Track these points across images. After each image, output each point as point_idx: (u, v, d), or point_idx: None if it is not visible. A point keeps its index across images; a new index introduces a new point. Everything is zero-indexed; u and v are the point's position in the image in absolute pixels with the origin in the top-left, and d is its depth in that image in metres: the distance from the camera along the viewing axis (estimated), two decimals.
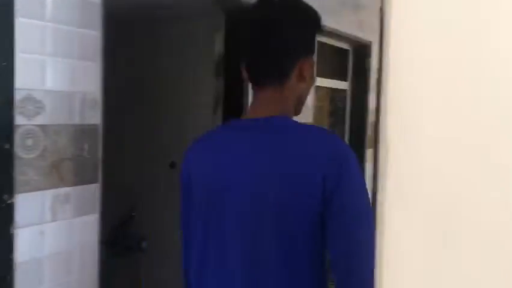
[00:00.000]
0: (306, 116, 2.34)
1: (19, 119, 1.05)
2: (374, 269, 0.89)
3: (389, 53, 1.39)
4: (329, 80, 2.74)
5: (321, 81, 2.59)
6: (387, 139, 1.39)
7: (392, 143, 1.32)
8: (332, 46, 2.75)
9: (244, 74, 0.96)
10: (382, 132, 1.42)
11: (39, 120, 1.09)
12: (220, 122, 1.81)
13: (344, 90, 2.97)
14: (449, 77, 1.29)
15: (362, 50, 2.91)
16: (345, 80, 2.97)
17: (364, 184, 0.88)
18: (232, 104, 1.82)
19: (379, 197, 1.32)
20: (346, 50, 2.94)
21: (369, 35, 2.84)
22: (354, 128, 2.97)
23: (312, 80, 0.96)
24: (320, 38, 2.42)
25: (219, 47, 1.80)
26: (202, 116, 1.88)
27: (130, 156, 2.05)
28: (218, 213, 0.92)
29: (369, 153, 3.00)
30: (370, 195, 0.90)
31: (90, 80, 1.19)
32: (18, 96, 1.05)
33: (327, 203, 0.84)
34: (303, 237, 0.86)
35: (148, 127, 2.02)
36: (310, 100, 2.38)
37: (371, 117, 2.99)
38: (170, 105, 1.97)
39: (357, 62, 2.97)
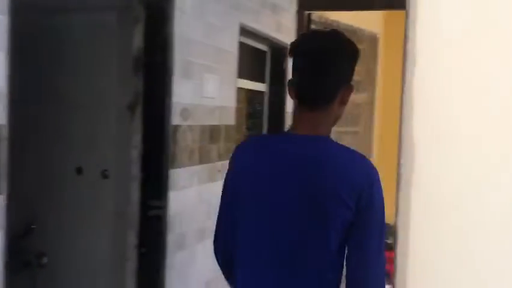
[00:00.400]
0: (227, 117, 2.23)
1: None
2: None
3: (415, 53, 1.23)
4: (248, 82, 2.66)
5: (241, 83, 2.50)
6: (413, 144, 1.24)
7: (418, 148, 1.22)
8: (251, 47, 2.67)
9: (292, 94, 1.08)
10: (405, 138, 1.25)
11: None
12: (140, 123, 1.65)
13: (261, 93, 2.90)
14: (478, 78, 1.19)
15: (279, 52, 2.86)
16: (263, 82, 2.90)
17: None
18: None
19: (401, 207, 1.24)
20: (264, 52, 2.88)
21: (286, 37, 2.81)
22: (272, 131, 2.91)
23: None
24: (240, 39, 2.34)
25: (138, 40, 1.63)
26: (118, 116, 1.69)
27: (31, 160, 1.79)
28: (267, 209, 1.08)
29: None
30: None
31: None
32: None
33: (358, 215, 1.03)
34: (336, 241, 1.05)
35: (53, 128, 1.78)
36: (232, 101, 2.29)
37: (288, 120, 2.95)
38: (79, 104, 1.75)
39: (275, 64, 2.92)
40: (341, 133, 3.36)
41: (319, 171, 1.05)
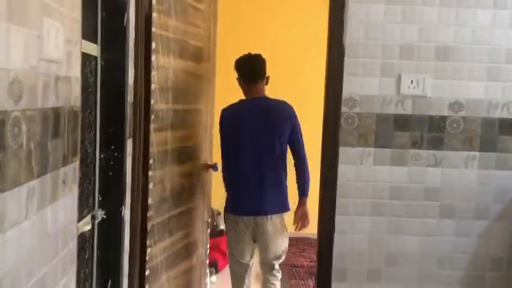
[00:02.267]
0: (73, 95, 1.39)
1: None
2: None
3: None
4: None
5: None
6: None
7: None
8: None
9: (239, 81, 2.90)
10: None
11: None
12: None
13: (92, 58, 2.05)
14: None
15: (116, 1, 2.06)
16: (94, 43, 2.05)
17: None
18: None
19: None
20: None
21: None
22: (109, 111, 2.09)
23: None
24: None
25: None
26: None
27: None
28: (245, 137, 2.81)
29: (128, 143, 2.18)
30: None
31: None
32: None
33: (292, 128, 2.84)
34: (284, 144, 2.84)
35: None
36: (77, 70, 1.44)
37: (130, 98, 2.18)
38: None
39: (111, 19, 2.09)
40: (180, 112, 2.70)
41: (270, 111, 2.86)
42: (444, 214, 2.37)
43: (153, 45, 2.33)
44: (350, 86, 2.28)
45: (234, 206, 2.89)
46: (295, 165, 2.88)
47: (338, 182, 2.29)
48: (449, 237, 2.38)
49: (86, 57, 1.94)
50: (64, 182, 1.31)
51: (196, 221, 3.01)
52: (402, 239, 2.36)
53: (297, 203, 2.91)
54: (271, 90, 2.92)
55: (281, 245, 2.89)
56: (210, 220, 5.01)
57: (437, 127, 2.32)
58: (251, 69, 2.84)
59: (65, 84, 1.31)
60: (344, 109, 2.28)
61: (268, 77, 2.88)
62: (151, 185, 2.39)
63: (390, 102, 2.28)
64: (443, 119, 2.33)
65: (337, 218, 2.31)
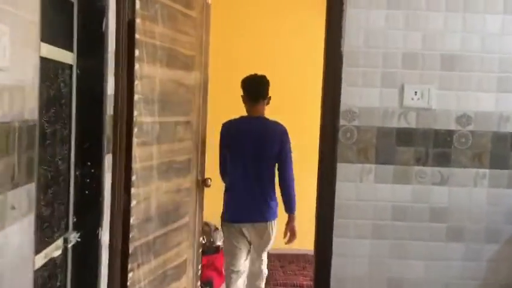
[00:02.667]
0: (27, 107, 1.22)
1: None
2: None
3: None
4: (47, 47, 1.63)
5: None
6: None
7: None
8: None
9: (245, 97, 3.14)
10: None
11: None
12: None
13: (67, 66, 1.88)
14: None
15: (93, 5, 1.90)
16: (69, 50, 1.89)
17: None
18: None
19: None
20: (70, 2, 1.86)
21: None
22: (83, 125, 1.92)
23: None
24: None
25: None
26: None
27: None
28: (243, 154, 3.06)
29: (107, 159, 2.02)
30: None
31: None
32: None
33: (280, 150, 3.05)
34: (273, 164, 3.08)
35: None
36: (35, 77, 1.29)
37: (109, 110, 2.01)
38: None
39: (88, 24, 1.93)
40: (167, 125, 2.53)
41: (264, 131, 3.10)
42: (452, 237, 2.17)
43: (137, 52, 2.16)
44: (349, 97, 2.10)
45: (227, 214, 3.22)
46: (279, 182, 3.14)
47: (336, 201, 2.11)
48: (457, 261, 2.18)
49: (59, 66, 1.78)
50: (13, 207, 1.14)
51: (186, 240, 2.83)
52: (406, 264, 2.17)
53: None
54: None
55: (269, 246, 3.32)
56: (203, 238, 4.83)
57: (444, 142, 2.14)
58: (255, 88, 3.12)
59: (15, 94, 1.14)
60: (342, 122, 2.10)
61: (270, 97, 3.15)
62: (133, 203, 2.21)
63: (392, 114, 2.10)
64: (450, 133, 2.15)
65: (335, 240, 2.12)
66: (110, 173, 2.08)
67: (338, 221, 2.11)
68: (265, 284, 4.55)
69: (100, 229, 1.96)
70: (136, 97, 2.19)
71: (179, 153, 2.67)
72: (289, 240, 3.29)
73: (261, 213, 3.10)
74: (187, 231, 2.83)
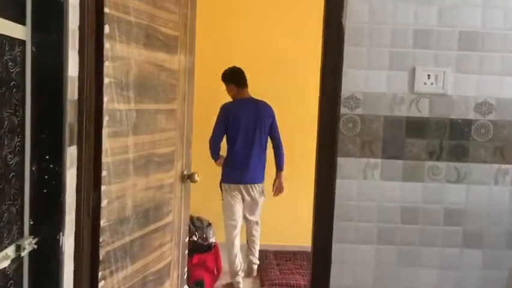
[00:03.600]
0: None
1: None
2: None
3: None
4: None
5: None
6: None
7: None
8: None
9: (232, 86, 4.12)
10: None
11: None
12: None
13: (19, 42, 1.60)
14: None
15: None
16: (21, 23, 1.60)
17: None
18: None
19: None
20: None
21: None
22: (40, 112, 1.64)
23: None
24: None
25: None
26: None
27: None
28: (245, 128, 4.01)
29: (71, 152, 1.74)
30: None
31: None
32: None
33: (272, 122, 4.11)
34: (266, 134, 4.10)
35: None
36: None
37: (73, 94, 1.73)
38: None
39: None
40: (146, 113, 2.26)
41: (258, 109, 4.07)
42: (469, 242, 1.90)
43: (106, 29, 1.87)
44: (351, 82, 1.81)
45: (229, 177, 4.08)
46: (273, 147, 4.22)
47: (336, 202, 1.83)
48: (475, 270, 1.91)
49: (7, 41, 1.49)
50: None
51: (170, 241, 2.55)
52: (416, 273, 1.89)
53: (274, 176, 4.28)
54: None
55: (260, 205, 4.26)
56: (195, 234, 4.54)
57: (460, 133, 1.86)
58: (241, 75, 4.11)
59: None
60: (343, 110, 1.82)
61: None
62: (104, 203, 1.94)
63: (401, 101, 1.82)
64: (468, 123, 1.86)
65: (334, 246, 1.85)
66: (74, 168, 1.80)
67: (338, 224, 1.83)
68: (261, 283, 4.29)
69: (60, 234, 1.68)
70: (106, 80, 1.90)
71: (161, 145, 2.39)
72: (277, 193, 4.35)
73: (260, 176, 4.14)
74: (171, 231, 2.55)
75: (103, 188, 1.93)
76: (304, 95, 4.94)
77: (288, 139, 5.12)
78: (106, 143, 1.93)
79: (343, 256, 1.86)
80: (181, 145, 2.60)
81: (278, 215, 5.13)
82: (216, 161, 4.13)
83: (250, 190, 4.06)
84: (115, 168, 2.00)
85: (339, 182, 1.84)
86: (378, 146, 1.83)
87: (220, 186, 4.17)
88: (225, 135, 4.09)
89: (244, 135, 4.00)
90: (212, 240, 4.63)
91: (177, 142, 2.55)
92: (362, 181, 1.86)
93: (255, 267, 4.31)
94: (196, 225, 4.70)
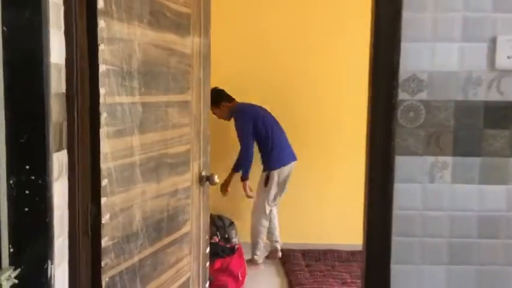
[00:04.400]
0: None
1: None
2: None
3: None
4: None
5: None
6: None
7: None
8: None
9: (224, 104, 4.15)
10: None
11: None
12: None
13: None
14: None
15: None
16: None
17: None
18: None
19: None
20: None
21: None
22: (17, 109, 1.28)
23: None
24: None
25: None
26: None
27: None
28: (273, 121, 4.20)
29: (59, 158, 1.38)
30: None
31: None
32: None
33: None
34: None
35: None
36: None
37: (59, 86, 1.36)
38: None
39: None
40: (154, 106, 1.89)
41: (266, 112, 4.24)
42: None
43: (100, 3, 1.50)
44: (412, 58, 1.42)
45: (282, 160, 4.17)
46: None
47: (394, 212, 1.44)
48: None
49: None
50: None
51: (189, 255, 2.20)
52: None
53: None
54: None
55: None
56: (217, 235, 4.18)
57: None
58: (224, 91, 4.20)
59: None
60: (402, 95, 1.43)
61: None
62: (106, 218, 1.59)
63: (478, 82, 1.42)
64: None
65: (393, 267, 1.46)
66: (65, 178, 1.45)
67: (396, 241, 1.45)
68: (289, 286, 3.93)
69: (48, 262, 1.33)
70: (102, 68, 1.54)
71: (174, 144, 2.02)
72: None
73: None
74: (189, 242, 2.19)
75: (103, 200, 1.57)
76: (336, 77, 4.55)
77: (317, 129, 4.72)
78: (106, 145, 1.57)
79: (405, 281, 1.47)
80: (197, 142, 2.23)
81: (304, 211, 4.75)
82: (246, 179, 4.20)
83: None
84: (118, 175, 1.64)
85: (397, 187, 1.45)
86: (448, 141, 1.44)
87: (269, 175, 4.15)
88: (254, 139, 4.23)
89: (275, 127, 4.19)
90: (235, 240, 4.27)
91: (193, 139, 2.18)
92: (427, 185, 1.46)
93: (279, 247, 4.39)
94: (218, 225, 4.34)
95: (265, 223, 4.24)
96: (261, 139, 4.12)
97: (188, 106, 2.12)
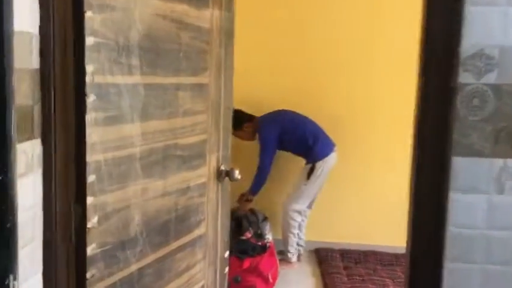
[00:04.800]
0: None
1: None
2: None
3: None
4: None
5: None
6: None
7: None
8: None
9: (247, 125, 3.88)
10: None
11: None
12: None
13: None
14: None
15: None
16: None
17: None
18: None
19: None
20: None
21: None
22: None
23: None
24: None
25: None
26: None
27: None
28: (306, 120, 3.98)
29: (26, 150, 1.13)
30: None
31: None
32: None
33: None
34: None
35: None
36: None
37: (23, 61, 1.11)
38: None
39: None
40: (161, 88, 1.61)
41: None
42: None
43: None
44: (479, 28, 1.07)
45: (325, 150, 3.90)
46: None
47: (448, 230, 1.11)
48: None
49: None
50: None
51: (203, 260, 1.93)
52: None
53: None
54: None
55: None
56: (250, 230, 3.91)
57: None
58: (243, 111, 3.90)
59: None
60: (463, 77, 1.08)
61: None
62: (93, 221, 1.33)
63: None
64: None
65: None
66: (38, 173, 1.20)
67: (451, 267, 1.12)
68: None
69: (10, 278, 1.09)
70: (90, 40, 1.27)
71: (186, 134, 1.75)
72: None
73: None
74: (203, 246, 1.92)
75: (90, 199, 1.31)
76: (374, 61, 4.16)
77: (358, 118, 4.37)
78: (94, 134, 1.31)
79: None
80: (215, 132, 1.94)
81: (344, 208, 4.41)
82: (255, 195, 4.00)
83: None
84: (110, 170, 1.38)
85: (454, 198, 1.11)
86: None
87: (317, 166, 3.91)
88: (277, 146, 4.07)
89: (308, 123, 4.00)
90: (268, 236, 3.98)
91: (210, 128, 1.90)
92: (493, 197, 1.12)
93: (302, 251, 4.16)
94: (250, 219, 4.06)
95: (298, 218, 3.96)
96: (296, 140, 3.88)
97: (204, 90, 1.84)
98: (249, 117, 3.90)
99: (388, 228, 4.17)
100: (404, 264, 3.73)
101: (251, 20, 4.11)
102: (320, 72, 4.25)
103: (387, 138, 4.22)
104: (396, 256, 3.99)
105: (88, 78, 1.27)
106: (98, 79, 1.30)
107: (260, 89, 4.24)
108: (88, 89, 1.27)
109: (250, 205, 4.08)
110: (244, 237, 3.69)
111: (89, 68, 1.27)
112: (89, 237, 1.32)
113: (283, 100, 4.15)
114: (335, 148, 3.97)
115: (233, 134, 4.11)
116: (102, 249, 1.37)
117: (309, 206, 4.08)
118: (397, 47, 4.04)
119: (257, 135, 3.95)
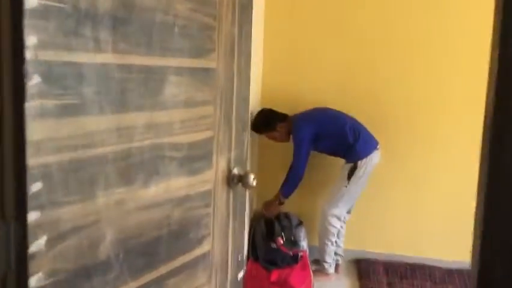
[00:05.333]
0: None
1: None
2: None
3: None
4: None
5: None
6: None
7: None
8: None
9: (281, 125, 3.55)
10: None
11: None
12: None
13: None
14: None
15: None
16: None
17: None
18: None
19: None
20: None
21: None
22: None
23: None
24: None
25: None
26: None
27: None
28: (345, 116, 3.64)
29: None
30: None
31: None
32: None
33: None
34: None
35: None
36: None
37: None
38: None
39: None
40: (152, 71, 1.25)
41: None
42: None
43: None
44: None
45: (368, 148, 3.52)
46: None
47: None
48: None
49: None
50: None
51: (208, 284, 1.58)
52: None
53: None
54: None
55: None
56: (282, 236, 3.54)
57: None
58: (274, 110, 3.68)
59: None
60: None
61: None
62: (38, 244, 1.01)
63: None
64: None
65: None
66: None
67: None
68: None
69: None
70: (32, 3, 0.94)
71: (184, 129, 1.40)
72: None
73: None
74: (207, 267, 1.58)
75: (34, 214, 0.99)
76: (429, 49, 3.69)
77: (411, 116, 3.91)
78: (38, 129, 0.99)
79: None
80: (226, 128, 1.59)
81: (391, 216, 3.97)
82: (286, 198, 3.66)
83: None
84: (66, 176, 1.06)
85: None
86: None
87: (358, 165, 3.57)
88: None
89: (349, 120, 3.64)
90: (303, 244, 3.61)
91: (219, 123, 1.55)
92: None
93: (340, 260, 3.82)
94: (283, 224, 3.70)
95: (337, 224, 3.58)
96: (334, 137, 3.54)
97: (210, 76, 1.48)
98: (282, 117, 3.60)
99: (441, 239, 3.72)
100: (457, 283, 3.24)
101: (284, 10, 3.73)
102: (375, 72, 3.83)
103: (447, 141, 3.75)
104: (449, 272, 3.53)
105: (28, 54, 0.94)
106: (46, 55, 0.98)
107: (293, 87, 3.86)
108: (28, 68, 0.94)
109: (281, 209, 3.72)
110: (274, 245, 3.33)
111: (30, 40, 0.94)
112: (33, 265, 1.00)
113: (319, 99, 3.77)
114: (379, 146, 3.56)
115: (266, 135, 3.80)
116: (53, 279, 1.04)
117: (349, 211, 3.68)
118: (460, 45, 3.57)
119: (291, 136, 3.58)
